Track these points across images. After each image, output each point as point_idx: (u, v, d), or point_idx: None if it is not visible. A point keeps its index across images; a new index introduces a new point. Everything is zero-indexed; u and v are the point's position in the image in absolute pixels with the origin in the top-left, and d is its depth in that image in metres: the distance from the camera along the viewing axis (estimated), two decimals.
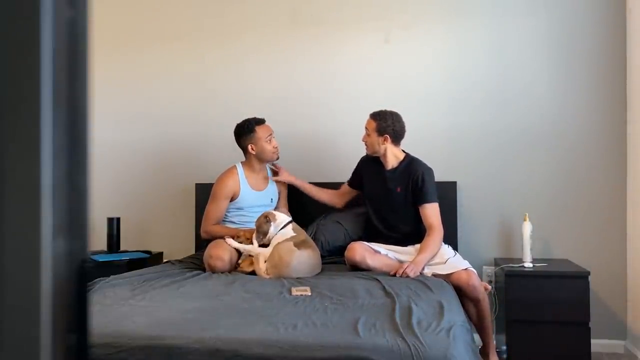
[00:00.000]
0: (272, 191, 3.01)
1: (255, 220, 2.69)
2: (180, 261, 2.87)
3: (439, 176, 3.09)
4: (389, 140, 2.69)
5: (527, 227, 2.88)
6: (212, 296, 2.09)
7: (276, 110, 3.31)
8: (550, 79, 3.12)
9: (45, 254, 0.39)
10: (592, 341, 2.68)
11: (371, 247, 2.66)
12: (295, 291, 2.14)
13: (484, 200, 3.16)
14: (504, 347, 2.79)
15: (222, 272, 2.54)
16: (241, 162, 2.98)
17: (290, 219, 2.68)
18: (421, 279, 2.35)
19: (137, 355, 1.55)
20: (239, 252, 2.70)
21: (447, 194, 3.06)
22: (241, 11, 3.45)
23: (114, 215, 3.32)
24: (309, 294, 2.11)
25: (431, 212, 2.63)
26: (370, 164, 2.83)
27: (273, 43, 3.39)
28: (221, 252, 2.59)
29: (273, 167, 3.04)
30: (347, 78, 3.31)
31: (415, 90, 3.24)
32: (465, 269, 2.53)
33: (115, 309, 1.90)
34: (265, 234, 2.60)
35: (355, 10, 3.31)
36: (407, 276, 2.39)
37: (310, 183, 3.04)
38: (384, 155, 2.73)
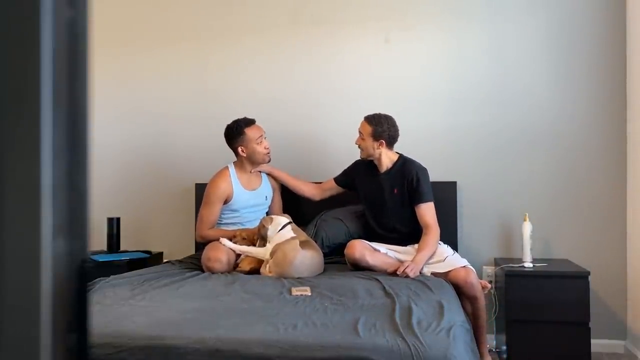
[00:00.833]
0: (266, 189, 2.98)
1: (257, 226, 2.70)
2: (180, 261, 2.87)
3: (439, 176, 3.09)
4: (384, 145, 2.70)
5: (527, 227, 2.88)
6: (212, 296, 2.08)
7: (276, 110, 3.32)
8: (550, 79, 3.12)
9: (45, 254, 0.39)
10: (592, 341, 2.68)
11: (371, 246, 2.67)
12: (295, 291, 2.14)
13: (484, 200, 3.16)
14: (504, 347, 2.79)
15: (220, 274, 2.54)
16: (233, 162, 2.94)
17: (288, 220, 2.68)
18: (421, 279, 2.35)
19: (137, 355, 1.55)
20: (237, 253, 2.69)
21: (447, 194, 3.06)
22: (241, 12, 3.44)
23: (114, 215, 3.32)
24: (309, 294, 2.11)
25: (427, 211, 2.64)
26: (364, 168, 2.83)
27: (273, 43, 3.39)
28: (219, 254, 2.58)
29: None
30: (348, 78, 3.31)
31: (415, 90, 3.24)
32: (464, 266, 2.53)
33: (115, 309, 1.90)
34: (264, 238, 2.61)
35: (355, 10, 3.31)
36: (407, 276, 2.39)
37: (312, 183, 3.04)
38: (379, 159, 2.73)
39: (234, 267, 2.65)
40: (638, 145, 2.91)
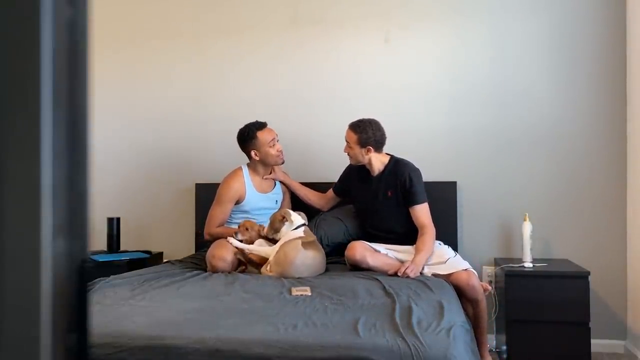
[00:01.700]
0: (277, 194, 3.00)
1: (271, 215, 2.69)
2: (180, 261, 2.87)
3: (439, 176, 3.10)
4: (372, 150, 2.69)
5: (527, 227, 2.88)
6: (212, 296, 2.08)
7: (276, 109, 3.31)
8: (551, 79, 3.12)
9: (45, 254, 0.39)
10: (592, 341, 2.68)
11: (371, 247, 2.67)
12: (295, 291, 2.14)
13: (484, 200, 3.16)
14: (504, 347, 2.79)
15: (222, 272, 2.54)
16: (247, 164, 2.96)
17: (305, 221, 2.67)
18: (421, 279, 2.35)
19: (137, 355, 1.55)
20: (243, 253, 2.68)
21: (447, 194, 3.06)
22: (241, 11, 3.44)
23: (114, 215, 3.32)
24: (309, 294, 2.11)
25: (421, 212, 2.65)
26: (357, 173, 2.83)
27: (273, 43, 3.39)
28: (224, 253, 2.58)
29: None
30: (347, 78, 3.31)
31: (416, 90, 3.24)
32: (465, 269, 2.53)
33: (115, 309, 1.90)
34: (277, 230, 2.61)
35: (355, 9, 3.31)
36: (407, 276, 2.39)
37: (311, 183, 3.04)
38: (369, 163, 2.74)
39: (239, 264, 2.64)
40: (638, 146, 2.91)
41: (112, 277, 2.39)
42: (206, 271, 2.59)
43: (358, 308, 1.90)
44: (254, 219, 2.82)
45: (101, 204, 3.43)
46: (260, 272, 2.55)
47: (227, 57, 3.45)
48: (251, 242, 2.68)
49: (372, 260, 2.58)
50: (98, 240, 3.32)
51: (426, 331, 1.61)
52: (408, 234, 2.70)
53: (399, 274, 2.42)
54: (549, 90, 3.12)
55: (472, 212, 3.17)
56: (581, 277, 2.70)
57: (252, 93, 3.40)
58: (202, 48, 3.48)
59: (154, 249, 3.42)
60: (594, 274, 2.76)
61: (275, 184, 3.01)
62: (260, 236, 2.70)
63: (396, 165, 2.73)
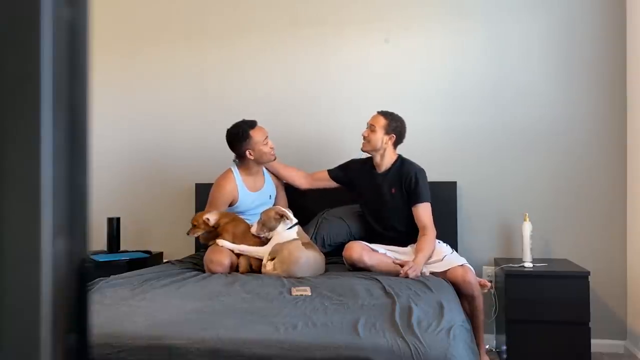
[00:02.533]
0: (269, 188, 2.97)
1: (263, 212, 2.66)
2: (180, 261, 2.87)
3: (439, 176, 3.10)
4: (393, 140, 2.70)
5: (527, 227, 2.88)
6: (212, 296, 2.08)
7: (276, 110, 3.32)
8: (550, 79, 3.12)
9: (45, 254, 0.39)
10: (592, 341, 2.68)
11: (369, 246, 2.67)
12: (295, 291, 2.14)
13: (484, 200, 3.16)
14: (504, 347, 2.79)
15: (221, 273, 2.53)
16: (236, 164, 2.91)
17: (297, 220, 2.68)
18: (421, 279, 2.35)
19: (137, 355, 1.55)
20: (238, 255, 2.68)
21: (447, 194, 3.06)
22: (241, 12, 3.45)
23: (114, 215, 3.32)
24: (309, 294, 2.11)
25: (423, 212, 2.66)
26: (361, 168, 2.83)
27: (273, 43, 3.39)
28: (222, 258, 2.57)
29: None
30: (347, 78, 3.31)
31: (415, 90, 3.24)
32: (462, 265, 2.54)
33: (115, 309, 1.90)
34: (272, 229, 2.60)
35: (355, 10, 3.31)
36: (408, 277, 2.39)
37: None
38: (382, 155, 2.73)
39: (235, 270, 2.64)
40: (638, 146, 2.91)
41: (112, 277, 2.39)
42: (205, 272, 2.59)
43: (358, 308, 1.90)
44: (248, 219, 2.81)
45: (101, 204, 3.43)
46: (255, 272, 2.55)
47: (227, 58, 3.45)
48: (210, 239, 2.69)
49: (369, 259, 2.59)
50: (98, 240, 3.32)
51: (426, 331, 1.61)
52: (408, 234, 2.71)
53: (400, 274, 2.42)
54: (549, 90, 3.12)
55: (472, 212, 3.17)
56: (581, 277, 2.70)
57: (252, 94, 3.40)
58: (203, 49, 3.48)
59: (154, 249, 3.42)
60: (594, 274, 2.76)
61: (265, 179, 2.97)
62: (215, 233, 2.68)
63: (403, 164, 2.75)
